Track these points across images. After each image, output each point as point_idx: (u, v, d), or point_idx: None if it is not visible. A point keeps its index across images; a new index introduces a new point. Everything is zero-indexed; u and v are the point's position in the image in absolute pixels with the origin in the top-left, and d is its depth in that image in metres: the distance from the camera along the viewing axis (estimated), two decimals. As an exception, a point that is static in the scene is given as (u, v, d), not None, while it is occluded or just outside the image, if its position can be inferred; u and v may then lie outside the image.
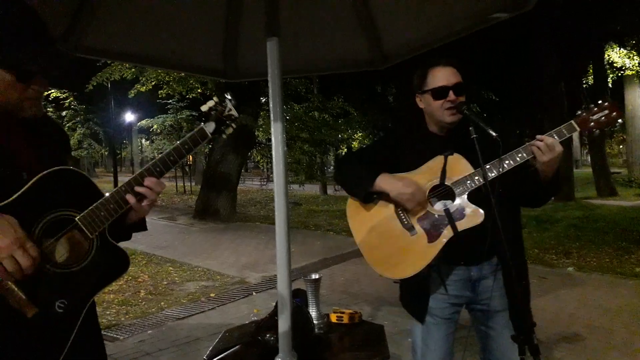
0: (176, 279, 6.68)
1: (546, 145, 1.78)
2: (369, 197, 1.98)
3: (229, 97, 1.50)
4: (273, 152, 2.36)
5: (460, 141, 1.92)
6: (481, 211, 1.86)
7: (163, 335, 4.51)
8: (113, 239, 1.38)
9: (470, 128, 1.80)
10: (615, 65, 18.09)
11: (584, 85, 20.03)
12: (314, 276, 3.09)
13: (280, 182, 2.32)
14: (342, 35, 3.16)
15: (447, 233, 1.88)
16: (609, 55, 18.08)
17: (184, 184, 22.84)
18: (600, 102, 1.86)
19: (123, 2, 2.67)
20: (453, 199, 1.90)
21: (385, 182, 1.92)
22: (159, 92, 13.57)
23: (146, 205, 1.40)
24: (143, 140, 38.74)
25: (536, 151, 1.80)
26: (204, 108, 1.46)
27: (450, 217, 1.88)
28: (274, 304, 2.61)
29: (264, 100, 14.79)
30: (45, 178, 1.24)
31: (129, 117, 27.88)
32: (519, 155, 1.85)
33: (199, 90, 13.29)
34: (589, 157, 25.83)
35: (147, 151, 33.11)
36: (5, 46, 1.19)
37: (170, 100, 17.72)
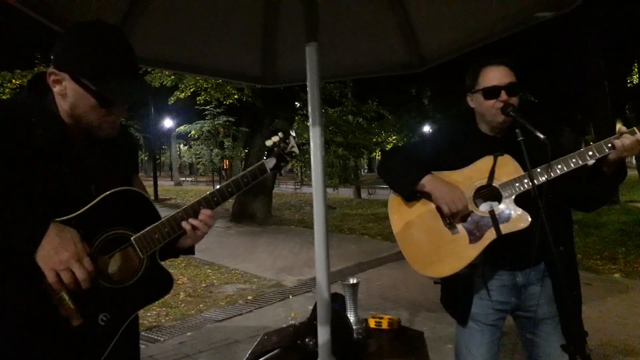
0: (214, 281, 6.79)
1: (637, 141, 1.70)
2: (413, 195, 1.96)
3: (294, 134, 1.55)
4: (312, 156, 2.36)
5: (513, 143, 1.87)
6: (527, 216, 1.80)
7: (202, 337, 4.58)
8: (162, 257, 1.44)
9: (517, 130, 1.75)
10: (662, 63, 17.34)
11: (629, 85, 19.27)
12: (352, 281, 3.08)
13: (318, 187, 2.32)
14: (379, 38, 3.15)
15: (489, 235, 1.83)
16: (656, 53, 17.33)
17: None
18: None
19: (164, 12, 2.74)
20: (499, 201, 1.85)
21: (429, 183, 1.89)
22: (197, 98, 13.85)
23: (199, 234, 1.46)
24: (181, 145, 39.63)
25: (621, 147, 1.71)
26: (269, 143, 1.53)
27: (495, 219, 1.83)
28: (311, 307, 2.62)
29: (298, 105, 14.89)
30: (111, 197, 1.32)
31: (168, 123, 28.60)
32: (589, 153, 1.76)
33: (235, 97, 13.50)
34: (634, 159, 24.80)
35: (185, 156, 33.83)
36: (96, 77, 1.27)
37: (208, 107, 18.06)
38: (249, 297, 5.90)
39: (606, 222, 10.61)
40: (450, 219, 1.90)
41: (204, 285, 6.57)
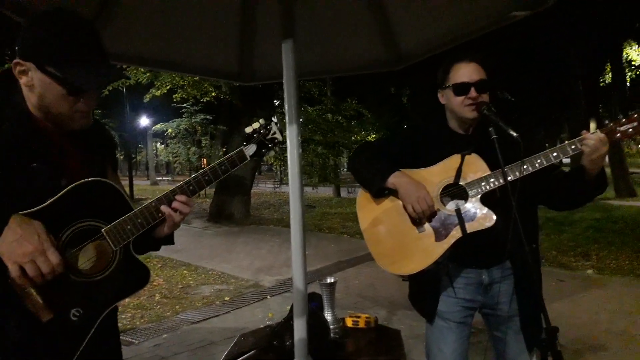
0: (191, 282, 6.71)
1: (600, 141, 1.73)
2: (381, 192, 1.96)
3: (275, 120, 1.50)
4: (288, 155, 2.34)
5: (482, 141, 1.87)
6: (493, 215, 1.82)
7: (178, 339, 4.52)
8: (141, 250, 1.40)
9: (490, 129, 1.76)
10: (633, 63, 17.81)
11: (602, 84, 19.74)
12: (330, 280, 3.07)
13: (295, 185, 2.30)
14: (357, 36, 3.13)
15: (455, 233, 1.85)
16: (627, 53, 17.81)
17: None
18: (630, 113, 1.83)
19: (138, 8, 2.68)
20: (466, 200, 1.87)
21: (396, 180, 1.90)
22: (174, 96, 13.67)
23: (173, 223, 1.42)
24: (158, 144, 39.10)
25: (587, 149, 1.74)
26: (248, 130, 1.48)
27: (461, 218, 1.85)
28: (289, 308, 2.59)
29: (277, 103, 14.82)
30: (78, 188, 1.27)
31: (144, 121, 28.19)
32: (553, 154, 1.79)
33: (213, 94, 13.36)
34: (606, 157, 25.41)
35: (161, 155, 33.41)
36: (61, 61, 1.23)
37: (185, 104, 17.85)
38: (226, 298, 5.84)
39: (579, 219, 10.83)
40: (417, 217, 1.90)
41: (180, 286, 6.48)
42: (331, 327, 2.80)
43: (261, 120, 1.49)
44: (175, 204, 1.39)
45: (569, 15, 13.19)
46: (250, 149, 1.45)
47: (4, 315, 1.18)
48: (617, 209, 12.97)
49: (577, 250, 7.94)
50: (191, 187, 1.41)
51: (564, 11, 12.45)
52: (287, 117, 2.41)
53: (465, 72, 1.91)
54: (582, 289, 5.81)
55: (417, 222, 1.91)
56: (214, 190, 15.73)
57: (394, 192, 1.94)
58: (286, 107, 2.41)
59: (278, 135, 1.49)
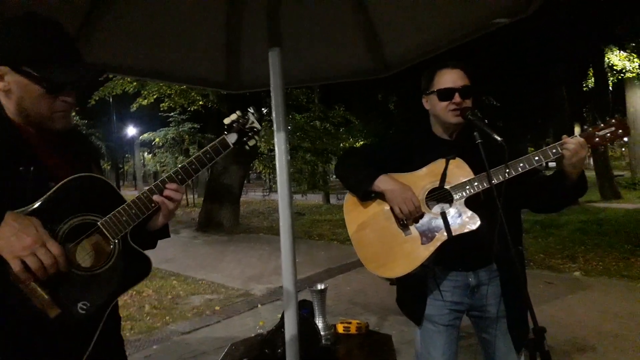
0: (181, 292, 6.65)
1: (579, 145, 1.77)
2: (367, 195, 1.98)
3: (252, 110, 1.53)
4: (277, 162, 2.36)
5: (466, 146, 1.91)
6: (477, 218, 1.86)
7: (169, 350, 4.48)
8: (139, 246, 1.40)
9: (475, 133, 1.79)
10: (615, 68, 18.11)
11: (585, 89, 20.04)
12: (320, 287, 3.07)
13: (284, 192, 2.31)
14: (343, 44, 3.17)
15: (441, 236, 1.88)
16: (609, 59, 18.11)
17: (186, 196, 22.84)
18: (608, 119, 1.88)
19: (125, 17, 2.68)
20: (451, 203, 1.90)
21: (383, 183, 1.92)
22: (161, 105, 13.60)
23: (167, 211, 1.44)
24: (145, 153, 38.82)
25: (567, 152, 1.79)
26: (227, 121, 1.50)
27: (446, 221, 1.88)
28: (280, 316, 2.59)
29: (265, 111, 14.83)
30: (69, 184, 1.28)
31: (131, 131, 27.98)
32: (535, 158, 1.83)
33: (200, 103, 13.31)
34: (592, 161, 25.79)
35: (149, 165, 33.18)
36: (36, 60, 1.25)
37: (172, 114, 17.77)
38: (217, 308, 5.80)
39: (566, 222, 10.96)
40: (404, 220, 1.93)
41: (170, 296, 6.42)
42: (322, 333, 2.81)
43: (238, 112, 1.52)
44: (166, 192, 1.40)
45: (552, 22, 13.41)
46: (231, 137, 1.48)
47: (13, 315, 1.18)
48: (603, 211, 13.15)
49: (564, 253, 8.02)
50: (180, 177, 1.42)
51: (546, 18, 12.65)
52: (274, 125, 2.42)
53: (450, 77, 1.95)
54: (570, 291, 5.87)
55: (404, 225, 1.93)
56: (202, 199, 15.66)
57: (380, 196, 1.96)
58: (274, 114, 2.43)
59: (256, 125, 1.51)
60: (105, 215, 1.32)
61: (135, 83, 12.22)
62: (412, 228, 1.92)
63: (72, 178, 1.28)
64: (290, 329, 2.24)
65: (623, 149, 42.16)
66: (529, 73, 15.50)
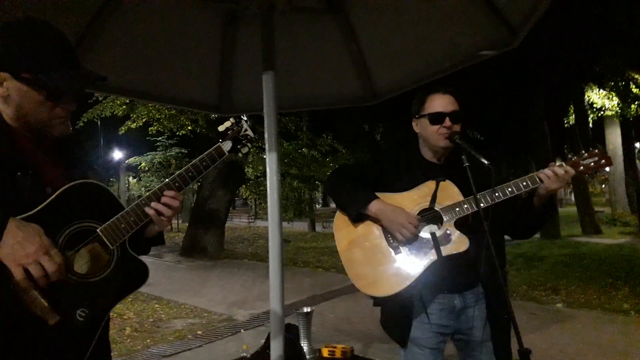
0: (162, 316, 6.54)
1: (565, 173, 1.88)
2: (360, 216, 1.99)
3: (245, 118, 1.53)
4: (267, 181, 2.41)
5: (454, 170, 1.96)
6: (467, 239, 1.89)
7: (149, 374, 4.38)
8: (134, 252, 1.40)
9: (463, 157, 1.85)
10: (595, 105, 18.65)
11: (566, 125, 20.55)
12: (306, 309, 3.08)
13: (274, 211, 2.35)
14: (334, 72, 3.26)
15: (431, 257, 1.90)
16: (589, 96, 18.66)
17: (170, 221, 22.55)
18: (591, 149, 1.96)
19: (119, 39, 2.74)
20: (440, 224, 1.93)
21: (378, 209, 1.93)
22: (150, 129, 13.59)
23: (164, 219, 1.43)
24: (130, 178, 38.50)
25: (548, 179, 1.88)
26: (221, 128, 1.50)
27: (436, 241, 1.91)
28: (264, 340, 2.59)
29: (255, 136, 14.89)
30: (69, 191, 1.28)
31: (117, 154, 27.81)
32: (523, 183, 1.91)
33: (189, 128, 13.34)
34: (572, 197, 26.23)
35: (133, 189, 32.86)
36: (36, 67, 1.26)
37: (160, 138, 17.76)
38: (199, 332, 5.71)
39: (548, 255, 11.09)
40: (394, 239, 1.95)
41: (151, 320, 6.31)
42: (307, 357, 2.80)
43: (232, 119, 1.52)
44: (164, 199, 1.40)
45: (533, 58, 13.87)
46: (226, 145, 1.48)
47: (12, 322, 1.17)
48: (584, 245, 13.32)
49: (547, 285, 8.08)
50: (177, 184, 1.43)
51: (528, 54, 13.08)
52: (267, 146, 2.48)
53: (441, 102, 2.01)
54: (552, 322, 5.91)
55: (394, 244, 1.95)
56: (186, 224, 15.50)
57: (370, 216, 1.98)
58: (266, 135, 2.48)
59: (250, 132, 1.52)
60: (104, 221, 1.32)
61: (124, 106, 12.24)
62: (403, 248, 1.94)
63: (72, 185, 1.29)
64: (277, 350, 2.24)
65: (603, 186, 42.97)
66: (511, 108, 15.92)
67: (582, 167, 1.94)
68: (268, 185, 2.41)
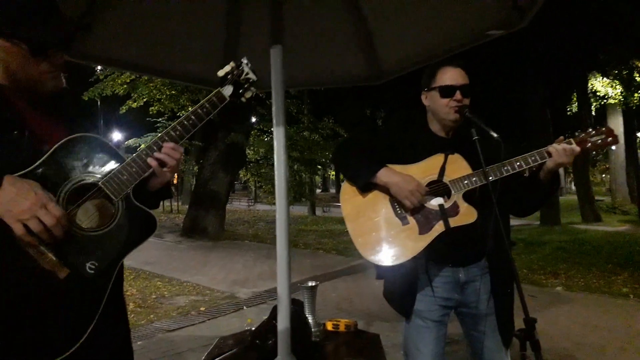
0: (165, 293, 6.59)
1: (572, 149, 1.89)
2: (368, 186, 1.99)
3: (246, 60, 1.47)
4: (275, 155, 2.41)
5: (462, 143, 1.97)
6: (475, 211, 1.89)
7: (154, 346, 4.43)
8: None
9: (472, 130, 1.85)
10: (598, 94, 18.59)
11: (568, 113, 20.50)
12: (311, 284, 3.11)
13: (281, 184, 2.37)
14: (341, 50, 3.24)
15: (438, 227, 1.90)
16: (592, 84, 18.59)
17: (170, 203, 22.65)
18: (598, 127, 1.97)
19: (123, 11, 2.72)
20: (449, 196, 1.94)
21: (387, 176, 1.92)
22: (150, 109, 13.55)
23: (167, 170, 1.42)
24: (130, 159, 38.43)
25: (557, 152, 1.89)
26: (220, 73, 1.44)
27: (444, 213, 1.91)
28: (266, 318, 2.62)
29: (254, 119, 14.88)
30: (66, 145, 1.27)
31: (117, 136, 27.76)
32: (532, 158, 1.91)
33: (189, 108, 13.24)
34: (573, 185, 26.23)
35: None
36: (17, 22, 1.25)
37: (160, 119, 17.72)
38: (202, 309, 5.76)
39: (548, 241, 11.16)
40: (402, 210, 1.95)
41: (154, 296, 6.36)
42: (313, 330, 2.83)
43: (232, 63, 1.46)
44: (164, 150, 1.39)
45: (538, 45, 13.77)
46: (227, 90, 1.43)
47: (25, 278, 1.19)
48: (584, 232, 13.40)
49: (547, 269, 8.14)
50: (177, 132, 1.40)
51: (533, 40, 12.98)
52: (274, 120, 2.47)
53: (452, 75, 2.01)
54: (552, 304, 5.97)
55: (401, 215, 1.95)
56: (186, 206, 15.53)
57: (379, 186, 1.97)
58: (274, 110, 2.48)
59: (252, 75, 1.46)
60: (105, 174, 1.31)
61: (125, 85, 12.18)
62: (410, 218, 1.93)
63: (69, 139, 1.28)
64: (283, 320, 2.26)
65: (603, 175, 43.02)
66: (514, 95, 15.84)
67: (589, 144, 1.95)
68: (275, 160, 2.41)
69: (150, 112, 13.99)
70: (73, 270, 1.23)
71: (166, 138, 1.40)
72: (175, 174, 1.51)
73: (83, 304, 1.26)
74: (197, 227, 12.65)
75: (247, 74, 1.45)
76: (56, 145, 1.26)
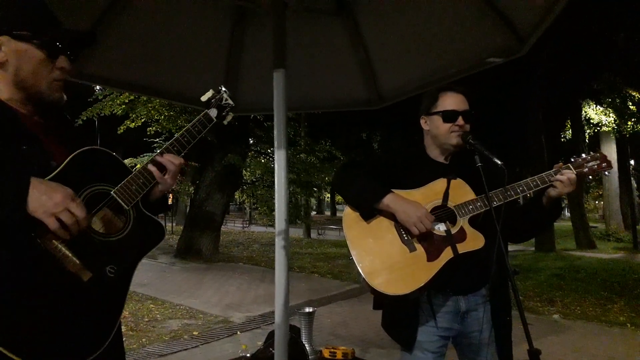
0: (158, 316, 6.49)
1: (575, 179, 1.89)
2: (372, 212, 1.94)
3: (224, 88, 1.60)
4: (275, 177, 2.44)
5: (460, 169, 1.97)
6: (481, 236, 1.87)
7: (145, 372, 4.34)
8: None
9: (476, 156, 1.85)
10: (592, 121, 18.83)
11: (563, 140, 20.71)
12: (308, 310, 3.07)
13: (281, 205, 2.36)
14: (341, 74, 3.28)
15: (446, 254, 1.86)
16: (586, 112, 18.85)
17: (165, 223, 22.49)
18: (592, 152, 1.99)
19: (126, 33, 2.75)
20: (454, 222, 1.91)
21: (393, 202, 1.88)
22: (148, 129, 13.54)
23: (168, 177, 1.49)
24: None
25: (562, 184, 1.89)
26: (204, 98, 1.57)
27: (451, 239, 1.88)
28: (261, 343, 2.59)
29: (252, 141, 14.92)
30: (78, 157, 1.32)
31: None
32: (534, 183, 1.91)
33: (186, 130, 13.28)
34: (567, 211, 26.32)
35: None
36: (33, 25, 1.30)
37: (157, 139, 17.73)
38: (195, 333, 5.66)
39: (543, 267, 11.14)
40: (409, 236, 1.90)
41: (147, 320, 6.25)
42: (309, 357, 2.79)
43: (211, 90, 1.59)
44: (165, 157, 1.47)
45: (532, 73, 13.99)
46: (213, 112, 1.55)
47: (51, 280, 1.21)
48: (579, 259, 13.39)
49: (543, 297, 8.10)
50: (175, 148, 1.50)
51: (526, 69, 13.20)
52: (275, 143, 2.49)
53: (454, 100, 2.02)
54: (549, 332, 5.92)
55: (408, 241, 1.90)
56: (181, 227, 15.40)
57: (383, 212, 1.93)
58: (275, 132, 2.50)
59: (230, 101, 1.59)
60: (115, 185, 1.38)
61: (124, 105, 12.20)
62: (417, 245, 1.88)
63: (81, 151, 1.33)
64: (280, 348, 2.23)
65: (597, 202, 43.21)
66: (508, 122, 16.00)
67: (586, 169, 1.96)
68: (276, 182, 2.44)
69: (148, 133, 13.98)
70: (95, 273, 1.27)
71: (165, 152, 1.49)
72: (171, 195, 1.55)
73: (106, 306, 1.31)
74: (192, 249, 12.54)
75: (226, 100, 1.58)
76: (70, 157, 1.30)
